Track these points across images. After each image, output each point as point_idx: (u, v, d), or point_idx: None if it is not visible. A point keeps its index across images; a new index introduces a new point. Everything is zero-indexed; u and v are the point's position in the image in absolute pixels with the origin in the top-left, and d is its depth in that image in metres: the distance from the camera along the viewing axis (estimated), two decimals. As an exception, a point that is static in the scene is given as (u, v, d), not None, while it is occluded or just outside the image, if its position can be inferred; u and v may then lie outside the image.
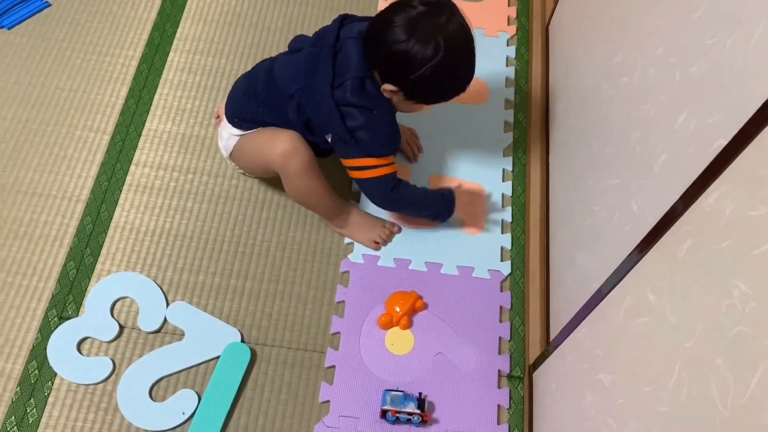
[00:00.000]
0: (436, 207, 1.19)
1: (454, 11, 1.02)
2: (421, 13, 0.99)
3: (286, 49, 1.16)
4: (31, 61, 1.37)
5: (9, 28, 1.40)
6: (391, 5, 1.03)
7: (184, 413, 1.04)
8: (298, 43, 1.14)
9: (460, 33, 1.02)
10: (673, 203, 0.67)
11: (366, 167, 1.10)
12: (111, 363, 1.08)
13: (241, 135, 1.15)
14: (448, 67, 1.01)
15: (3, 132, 1.28)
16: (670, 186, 0.69)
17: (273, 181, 1.26)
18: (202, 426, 1.03)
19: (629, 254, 0.77)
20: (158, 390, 1.07)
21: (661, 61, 0.79)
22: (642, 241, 0.74)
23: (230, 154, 1.19)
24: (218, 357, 1.09)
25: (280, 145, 1.09)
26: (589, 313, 0.87)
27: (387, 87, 1.04)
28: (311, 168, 1.12)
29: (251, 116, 1.14)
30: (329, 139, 1.10)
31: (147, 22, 1.43)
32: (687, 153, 0.67)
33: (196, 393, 1.06)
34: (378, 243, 1.21)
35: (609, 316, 0.81)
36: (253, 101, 1.13)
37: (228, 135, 1.17)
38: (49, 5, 1.43)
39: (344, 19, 1.10)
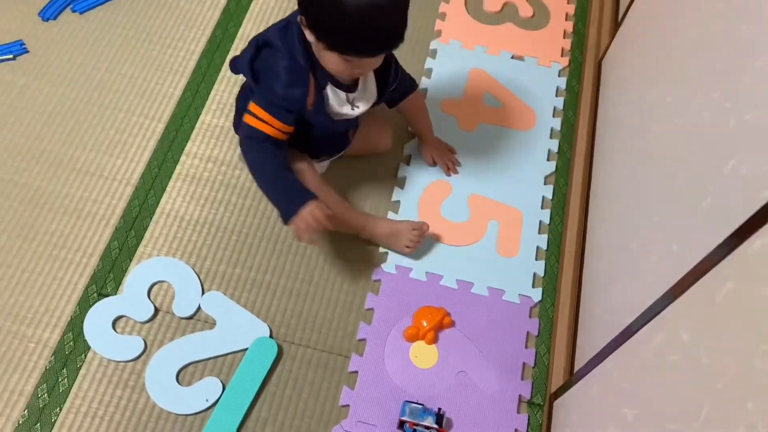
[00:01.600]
0: (278, 202, 1.07)
1: None
2: None
3: None
4: (98, 45, 1.42)
5: (81, 13, 1.46)
6: None
7: (207, 400, 1.07)
8: None
9: None
10: (714, 247, 0.68)
11: (249, 111, 1.04)
12: (143, 343, 1.11)
13: None
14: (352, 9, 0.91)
15: (65, 111, 1.34)
16: (714, 230, 0.69)
17: (316, 184, 1.29)
18: (224, 415, 1.06)
19: (665, 293, 0.77)
20: (185, 375, 1.10)
21: (716, 106, 0.80)
22: (679, 282, 0.74)
23: None
24: (246, 349, 1.11)
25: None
26: (618, 347, 0.87)
27: (306, 34, 0.98)
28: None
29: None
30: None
31: (211, 19, 1.48)
32: (733, 200, 0.68)
33: (221, 382, 1.09)
34: (409, 247, 1.20)
35: (639, 352, 0.81)
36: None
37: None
38: (121, -6, 1.50)
39: None
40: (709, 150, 0.78)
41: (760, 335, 0.55)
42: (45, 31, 1.43)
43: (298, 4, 0.99)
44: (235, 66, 1.10)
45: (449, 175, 1.33)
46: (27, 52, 1.40)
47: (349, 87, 1.09)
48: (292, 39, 1.02)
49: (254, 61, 1.03)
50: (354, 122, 1.19)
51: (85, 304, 1.14)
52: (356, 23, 0.94)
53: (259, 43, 1.04)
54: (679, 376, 0.68)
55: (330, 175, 1.30)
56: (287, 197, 1.05)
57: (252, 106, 1.04)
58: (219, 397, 1.07)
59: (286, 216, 1.03)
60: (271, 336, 1.14)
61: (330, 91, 1.07)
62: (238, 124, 1.12)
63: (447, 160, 1.33)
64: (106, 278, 1.17)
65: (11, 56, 1.39)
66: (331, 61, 1.00)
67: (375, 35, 0.96)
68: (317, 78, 1.04)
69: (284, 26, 1.03)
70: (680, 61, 0.98)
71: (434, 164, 1.33)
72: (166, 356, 1.10)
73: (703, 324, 0.66)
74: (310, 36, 0.99)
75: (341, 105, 1.10)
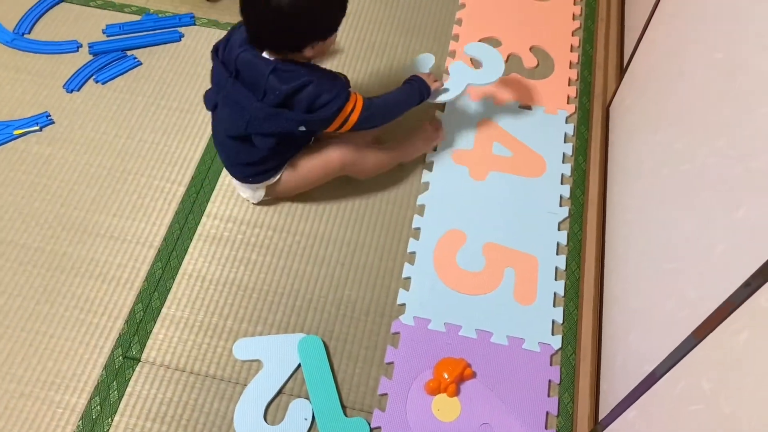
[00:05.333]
0: (412, 94, 1.28)
1: None
2: None
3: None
4: (120, 114, 1.48)
5: (103, 83, 1.52)
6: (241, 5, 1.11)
7: (306, 419, 1.12)
8: (210, 101, 1.23)
9: None
10: (729, 295, 0.68)
11: (347, 117, 1.19)
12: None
13: (270, 183, 1.27)
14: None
15: (89, 178, 1.38)
16: (727, 277, 0.70)
17: (333, 237, 1.31)
18: (326, 412, 1.12)
19: (684, 340, 0.78)
20: (268, 417, 1.13)
21: (722, 153, 0.81)
22: (697, 329, 0.75)
23: (273, 192, 1.30)
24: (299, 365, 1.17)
25: (337, 155, 1.26)
26: (640, 396, 0.87)
27: (306, 52, 1.13)
28: (360, 153, 1.29)
29: (264, 165, 1.24)
30: (303, 129, 1.18)
31: (227, 83, 1.53)
32: (745, 247, 0.69)
33: (304, 399, 1.14)
34: (433, 142, 1.42)
35: (661, 401, 0.81)
36: (246, 156, 1.23)
37: (250, 190, 1.29)
38: (140, 64, 1.56)
39: (216, 51, 1.18)
40: (719, 197, 0.79)
41: (778, 386, 0.55)
42: (69, 102, 1.49)
43: (300, 39, 1.12)
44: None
45: (438, 140, 1.44)
46: (53, 122, 1.46)
47: None
48: (296, 69, 1.13)
49: (303, 109, 1.15)
50: None
51: (111, 368, 1.16)
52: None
53: (289, 93, 1.12)
54: (702, 426, 0.68)
55: (344, 226, 1.33)
56: (413, 94, 1.29)
57: (343, 114, 1.18)
58: (312, 410, 1.12)
59: (425, 93, 1.30)
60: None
61: None
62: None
63: (435, 129, 1.43)
64: (131, 341, 1.19)
65: (38, 127, 1.44)
66: (328, 44, 1.17)
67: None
68: None
69: (279, 77, 1.12)
70: (685, 108, 1.00)
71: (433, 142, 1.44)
72: (245, 412, 1.13)
73: (723, 373, 0.66)
74: (310, 51, 1.14)
75: None
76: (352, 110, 1.18)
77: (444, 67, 1.59)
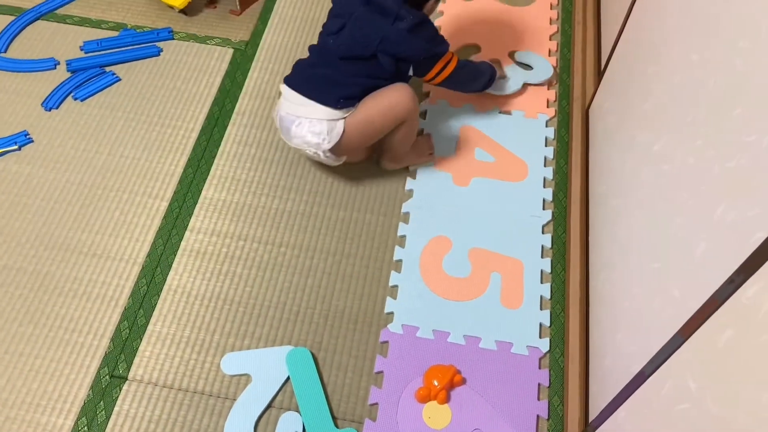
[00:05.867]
0: (485, 72, 1.45)
1: None
2: None
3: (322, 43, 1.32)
4: (100, 130, 1.47)
5: (82, 100, 1.51)
6: None
7: (296, 431, 1.11)
8: (336, 24, 1.28)
9: None
10: (712, 293, 0.69)
11: (446, 65, 1.33)
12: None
13: (346, 115, 1.27)
14: None
15: (70, 196, 1.37)
16: (710, 275, 0.71)
17: (318, 248, 1.31)
18: (318, 427, 1.12)
19: (670, 340, 0.78)
20: (260, 431, 1.12)
21: (699, 153, 0.82)
22: (683, 328, 0.75)
23: (338, 141, 1.27)
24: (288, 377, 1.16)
25: (406, 97, 1.28)
26: (629, 396, 0.88)
27: (426, 7, 1.30)
28: (416, 108, 1.33)
29: (356, 91, 1.28)
30: (411, 70, 1.31)
31: (208, 97, 1.53)
32: (725, 244, 0.69)
33: (294, 411, 1.13)
34: (430, 153, 1.46)
35: (650, 401, 0.82)
36: (349, 78, 1.27)
37: (329, 125, 1.27)
38: (119, 80, 1.55)
39: None
40: (698, 196, 0.80)
41: (763, 382, 0.56)
42: (48, 120, 1.48)
43: None
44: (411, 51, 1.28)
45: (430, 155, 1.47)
46: (32, 141, 1.44)
47: None
48: (418, 10, 1.28)
49: (424, 41, 1.28)
50: None
51: (97, 387, 1.15)
52: None
53: (418, 22, 1.25)
54: (690, 425, 0.69)
55: (329, 236, 1.33)
56: (486, 72, 1.46)
57: (443, 61, 1.33)
58: (303, 423, 1.12)
59: (493, 78, 1.48)
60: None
61: None
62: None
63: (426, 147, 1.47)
64: (118, 359, 1.18)
65: (16, 146, 1.43)
66: (435, 4, 1.34)
67: None
68: None
69: (408, 9, 1.25)
70: (662, 109, 1.01)
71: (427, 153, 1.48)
72: (235, 427, 1.12)
73: (708, 371, 0.67)
74: (426, 5, 1.31)
75: None
76: (450, 60, 1.33)
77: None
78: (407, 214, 1.38)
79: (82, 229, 1.33)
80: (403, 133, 1.33)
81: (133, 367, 1.17)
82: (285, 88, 1.30)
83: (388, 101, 1.27)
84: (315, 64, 1.30)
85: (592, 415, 1.05)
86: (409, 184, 1.42)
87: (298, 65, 1.33)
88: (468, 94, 1.52)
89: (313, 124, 1.26)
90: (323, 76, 1.27)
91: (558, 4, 1.74)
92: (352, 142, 1.29)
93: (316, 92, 1.26)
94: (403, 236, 1.34)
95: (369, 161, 1.43)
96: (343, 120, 1.26)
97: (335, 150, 1.29)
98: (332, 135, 1.26)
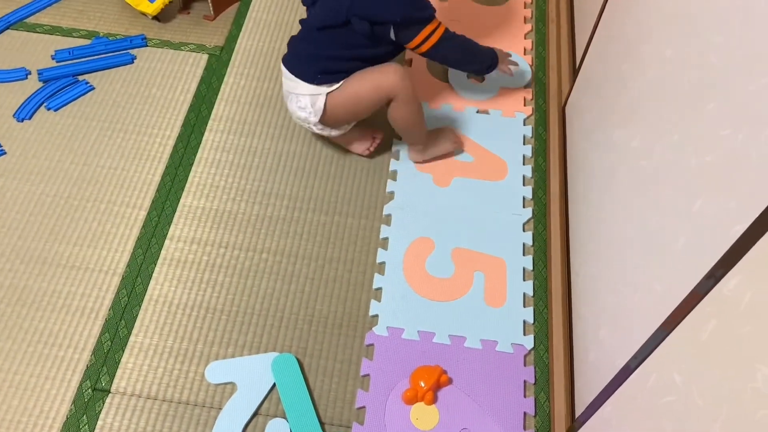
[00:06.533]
0: (487, 52, 1.41)
1: None
2: None
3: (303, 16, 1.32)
4: (74, 140, 1.45)
5: (55, 110, 1.49)
6: None
7: None
8: None
9: None
10: (693, 286, 0.70)
11: (433, 32, 1.27)
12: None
13: (329, 90, 1.27)
14: None
15: (46, 208, 1.35)
16: (690, 269, 0.72)
17: (301, 253, 1.30)
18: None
19: (653, 334, 0.79)
20: None
21: (676, 148, 0.83)
22: (665, 321, 0.76)
23: (323, 115, 1.30)
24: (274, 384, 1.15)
25: (393, 74, 1.26)
26: (614, 391, 0.88)
27: None
28: (415, 92, 1.30)
29: (334, 66, 1.27)
30: (392, 35, 1.25)
31: (184, 103, 1.52)
32: (705, 238, 0.70)
33: (281, 418, 1.12)
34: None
35: (635, 395, 0.82)
36: (326, 50, 1.26)
37: (311, 99, 1.29)
38: (93, 89, 1.53)
39: None
40: (677, 191, 0.81)
41: (747, 374, 0.56)
42: (21, 131, 1.45)
43: None
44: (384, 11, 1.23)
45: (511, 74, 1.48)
46: (4, 153, 1.42)
47: None
48: None
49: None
50: None
51: (80, 401, 1.13)
52: None
53: None
54: (676, 418, 0.69)
55: (311, 241, 1.32)
56: (488, 53, 1.42)
57: (428, 29, 1.26)
58: (290, 429, 1.11)
59: (494, 64, 1.43)
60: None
61: None
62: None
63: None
64: (100, 372, 1.16)
65: (-12, 159, 1.40)
66: None
67: None
68: None
69: None
70: (638, 105, 1.02)
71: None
72: None
73: (693, 364, 0.68)
74: None
75: None
76: (436, 28, 1.27)
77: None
78: (389, 216, 1.37)
79: (60, 241, 1.31)
80: (401, 114, 1.32)
81: (116, 380, 1.16)
82: (282, 67, 1.33)
83: (375, 76, 1.28)
84: (300, 39, 1.33)
85: (579, 410, 1.06)
86: (390, 185, 1.41)
87: (290, 42, 1.35)
88: (466, 71, 1.55)
89: (299, 99, 1.31)
90: (303, 52, 1.30)
91: (532, 3, 1.75)
92: (339, 116, 1.32)
93: (298, 69, 1.29)
94: (386, 238, 1.34)
95: (367, 160, 1.43)
96: (324, 95, 1.28)
97: (325, 123, 1.32)
98: (315, 109, 1.29)
